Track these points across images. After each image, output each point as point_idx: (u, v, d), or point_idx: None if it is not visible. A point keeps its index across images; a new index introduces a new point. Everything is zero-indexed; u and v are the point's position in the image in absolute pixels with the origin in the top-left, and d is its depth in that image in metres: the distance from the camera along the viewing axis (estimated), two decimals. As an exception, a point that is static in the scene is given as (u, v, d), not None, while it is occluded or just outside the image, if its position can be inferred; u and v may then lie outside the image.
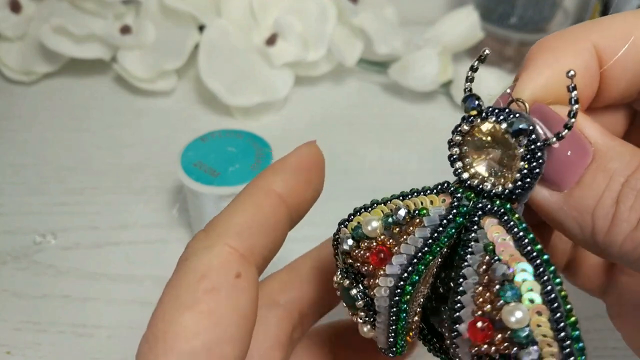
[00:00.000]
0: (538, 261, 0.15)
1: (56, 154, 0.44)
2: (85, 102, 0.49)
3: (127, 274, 0.35)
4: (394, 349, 0.18)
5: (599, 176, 0.16)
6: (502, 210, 0.17)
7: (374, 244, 0.17)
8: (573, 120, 0.16)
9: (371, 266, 0.17)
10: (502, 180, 0.17)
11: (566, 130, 0.16)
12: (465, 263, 0.16)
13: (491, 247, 0.16)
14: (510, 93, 0.17)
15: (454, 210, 0.17)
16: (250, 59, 0.47)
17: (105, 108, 0.48)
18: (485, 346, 0.15)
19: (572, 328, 0.15)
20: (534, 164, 0.16)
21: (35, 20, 0.49)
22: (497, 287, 0.15)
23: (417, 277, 0.17)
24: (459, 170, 0.17)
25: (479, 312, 0.16)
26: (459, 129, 0.17)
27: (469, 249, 0.16)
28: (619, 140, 0.16)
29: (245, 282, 0.16)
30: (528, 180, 0.16)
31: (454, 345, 0.16)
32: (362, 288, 0.18)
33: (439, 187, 0.18)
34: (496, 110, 0.16)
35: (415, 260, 0.17)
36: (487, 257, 0.16)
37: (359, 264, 0.18)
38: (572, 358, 0.15)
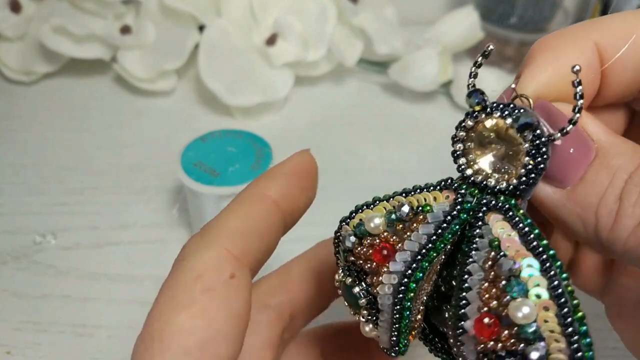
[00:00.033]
0: (544, 256, 0.15)
1: (56, 154, 0.44)
2: (85, 102, 0.49)
3: (127, 274, 0.35)
4: (397, 348, 0.18)
5: (602, 173, 0.16)
6: (507, 206, 0.16)
7: (377, 241, 0.17)
8: (578, 115, 0.16)
9: (374, 263, 0.17)
10: (506, 176, 0.17)
11: (571, 126, 0.16)
12: (470, 259, 0.16)
13: (496, 242, 0.16)
14: (514, 88, 0.17)
15: (458, 207, 0.17)
16: (250, 59, 0.47)
17: (105, 108, 0.48)
18: (492, 343, 0.15)
19: (580, 323, 0.15)
20: (539, 159, 0.16)
21: (35, 20, 0.49)
22: (504, 282, 0.15)
23: (421, 274, 0.17)
24: (463, 167, 0.17)
25: (485, 309, 0.15)
26: (463, 124, 0.17)
27: (474, 245, 0.16)
28: (620, 138, 0.16)
29: (239, 282, 0.17)
30: (533, 175, 0.16)
31: (458, 343, 0.16)
32: (364, 286, 0.18)
33: (442, 183, 0.18)
34: (501, 106, 0.16)
35: (419, 257, 0.17)
36: (493, 253, 0.16)
37: (361, 262, 0.18)
38: (579, 353, 0.14)
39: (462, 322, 0.16)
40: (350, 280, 0.18)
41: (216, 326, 0.16)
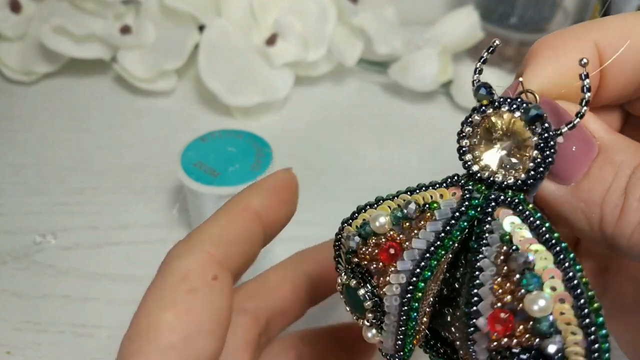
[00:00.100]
0: (558, 248, 0.15)
1: (56, 154, 0.44)
2: (85, 102, 0.49)
3: (127, 274, 0.35)
4: (401, 353, 0.17)
5: (606, 168, 0.16)
6: (517, 200, 0.16)
7: (383, 240, 0.17)
8: (585, 108, 0.15)
9: (380, 263, 0.17)
10: (513, 171, 0.16)
11: (578, 119, 0.16)
12: (481, 255, 0.16)
13: (508, 237, 0.16)
14: (521, 82, 0.17)
15: (466, 203, 0.17)
16: (250, 59, 0.47)
17: (105, 108, 0.48)
18: (506, 339, 0.15)
19: (596, 314, 0.14)
20: (547, 152, 0.16)
21: (35, 20, 0.49)
22: (518, 276, 0.15)
23: (429, 273, 0.16)
24: (469, 163, 0.17)
25: (499, 304, 0.15)
26: (470, 119, 0.17)
27: (484, 241, 0.16)
28: (621, 135, 0.17)
29: (221, 284, 0.18)
30: (541, 169, 0.16)
31: (469, 342, 0.16)
32: (370, 288, 0.17)
33: (448, 180, 0.18)
34: (509, 99, 0.16)
35: (427, 255, 0.16)
36: (505, 248, 0.16)
37: (366, 262, 0.17)
38: (596, 345, 0.14)
39: (474, 320, 0.15)
40: (354, 282, 0.18)
41: (199, 324, 0.17)
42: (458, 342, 0.18)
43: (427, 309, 0.18)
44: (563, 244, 0.15)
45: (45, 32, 0.46)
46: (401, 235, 0.17)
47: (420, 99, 0.50)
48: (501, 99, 0.16)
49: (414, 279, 0.16)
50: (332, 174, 0.43)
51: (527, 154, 0.16)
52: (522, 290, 0.15)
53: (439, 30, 0.50)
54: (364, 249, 0.17)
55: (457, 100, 0.49)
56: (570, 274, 0.15)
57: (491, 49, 0.17)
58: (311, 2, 0.48)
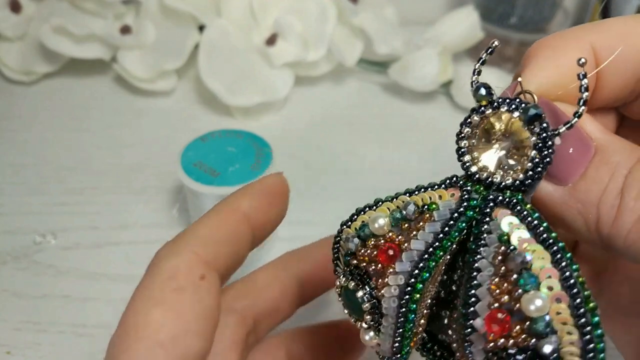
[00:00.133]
0: (555, 248, 0.15)
1: (56, 154, 0.44)
2: (85, 102, 0.49)
3: (127, 274, 0.35)
4: (399, 355, 0.17)
5: (602, 169, 0.16)
6: (515, 200, 0.16)
7: (382, 241, 0.17)
8: (583, 107, 0.16)
9: (380, 265, 0.17)
10: (511, 172, 0.17)
11: (576, 119, 0.16)
12: (479, 256, 0.16)
13: (506, 237, 0.16)
14: (519, 82, 0.17)
15: (465, 204, 0.17)
16: (250, 59, 0.47)
17: (105, 108, 0.48)
18: (502, 340, 0.15)
19: (592, 314, 0.14)
20: (545, 152, 0.16)
21: (35, 20, 0.49)
22: (515, 276, 0.15)
23: (427, 274, 0.16)
24: (468, 164, 0.17)
25: (496, 304, 0.15)
26: (469, 120, 0.17)
27: (482, 242, 0.16)
28: (616, 136, 0.17)
29: (209, 283, 0.18)
30: (539, 169, 0.16)
31: (466, 344, 0.16)
32: (368, 289, 0.17)
33: (447, 181, 0.18)
34: (508, 100, 0.16)
35: (426, 255, 0.16)
36: (503, 248, 0.16)
37: (365, 264, 0.17)
38: (591, 345, 0.14)
39: (472, 321, 0.16)
40: (353, 284, 0.18)
41: (187, 323, 0.17)
42: (455, 344, 0.18)
43: (425, 311, 0.18)
44: (560, 244, 0.15)
45: (45, 32, 0.46)
46: (400, 237, 0.17)
47: (420, 99, 0.50)
48: (500, 99, 0.17)
49: (412, 280, 0.16)
50: (332, 174, 0.43)
51: (526, 155, 0.16)
52: (520, 290, 0.15)
53: (439, 30, 0.50)
54: (362, 251, 0.17)
55: (457, 100, 0.49)
56: (567, 273, 0.15)
57: (490, 50, 0.17)
58: (311, 2, 0.48)
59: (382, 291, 0.17)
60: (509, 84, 0.18)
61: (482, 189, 0.17)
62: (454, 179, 0.18)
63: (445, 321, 0.18)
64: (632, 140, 0.17)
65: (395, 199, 0.18)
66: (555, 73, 0.17)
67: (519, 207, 0.16)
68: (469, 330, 0.16)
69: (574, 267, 0.15)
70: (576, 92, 0.16)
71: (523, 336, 0.15)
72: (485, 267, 0.16)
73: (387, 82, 0.51)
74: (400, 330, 0.17)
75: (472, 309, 0.16)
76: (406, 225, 0.17)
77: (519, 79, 0.17)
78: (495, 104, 0.17)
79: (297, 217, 0.38)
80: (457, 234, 0.17)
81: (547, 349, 0.14)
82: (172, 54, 0.47)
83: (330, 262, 0.20)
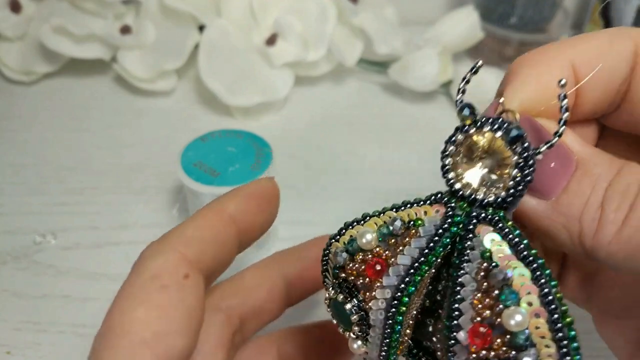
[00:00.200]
0: (535, 265, 0.16)
1: (56, 154, 0.44)
2: (85, 102, 0.49)
3: (127, 274, 0.35)
4: None
5: (584, 182, 0.17)
6: (497, 217, 0.17)
7: (369, 256, 0.18)
8: (563, 127, 0.16)
9: (367, 279, 0.18)
10: (494, 189, 0.17)
11: (556, 138, 0.16)
12: (462, 271, 0.17)
13: (488, 253, 0.16)
14: (500, 103, 0.18)
15: (449, 220, 0.17)
16: (250, 59, 0.47)
17: (105, 108, 0.49)
18: (484, 352, 0.16)
19: (569, 328, 0.15)
20: (527, 171, 0.16)
21: (35, 20, 0.49)
22: (497, 292, 0.16)
23: (413, 288, 0.17)
24: (452, 181, 0.18)
25: (478, 318, 0.16)
26: (454, 138, 0.18)
27: (465, 257, 0.17)
28: (596, 149, 0.17)
29: (193, 283, 0.18)
30: (521, 187, 0.17)
31: (449, 354, 0.17)
32: (356, 302, 0.18)
33: (432, 198, 0.18)
34: (490, 120, 0.17)
35: (412, 270, 0.17)
36: (485, 264, 0.16)
37: (353, 277, 0.18)
38: (568, 357, 0.15)
39: (455, 333, 0.16)
40: (342, 297, 0.18)
41: (170, 321, 0.17)
42: (439, 352, 0.18)
43: (411, 321, 0.18)
44: (540, 261, 0.16)
45: (45, 32, 0.46)
46: (387, 252, 0.18)
47: (420, 99, 0.50)
48: (483, 119, 0.17)
49: (399, 294, 0.17)
50: (332, 174, 0.43)
51: (507, 172, 0.17)
52: (501, 306, 0.15)
53: (439, 30, 0.50)
54: (351, 265, 0.18)
55: (457, 100, 0.49)
56: (546, 290, 0.15)
57: (474, 69, 0.18)
58: (311, 2, 0.48)
59: (370, 304, 0.18)
60: (491, 102, 0.18)
61: (465, 205, 0.18)
62: (439, 195, 0.18)
63: (430, 329, 0.19)
64: (613, 149, 0.18)
65: (382, 214, 0.18)
66: (536, 90, 0.18)
67: (500, 225, 0.17)
68: (453, 342, 0.16)
69: (553, 283, 0.16)
70: (557, 106, 0.16)
71: (504, 349, 0.15)
72: (469, 283, 0.16)
73: (387, 82, 0.51)
74: (387, 340, 0.17)
75: (455, 322, 0.16)
76: (393, 240, 0.18)
77: (501, 100, 0.18)
78: (479, 123, 0.17)
79: (297, 217, 0.38)
80: (441, 249, 0.17)
81: None
82: (172, 54, 0.47)
83: (319, 262, 0.20)
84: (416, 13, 0.58)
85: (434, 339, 0.19)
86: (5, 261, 0.36)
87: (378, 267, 0.17)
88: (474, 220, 0.17)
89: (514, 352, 0.15)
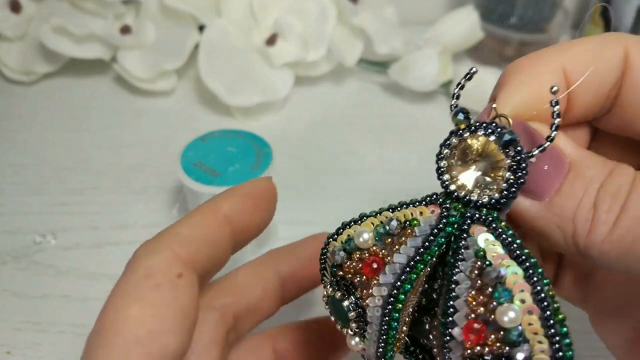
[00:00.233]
0: (527, 264, 0.16)
1: (56, 154, 0.44)
2: (85, 102, 0.49)
3: (127, 274, 0.35)
4: (383, 359, 0.18)
5: (576, 184, 0.17)
6: (490, 218, 0.17)
7: (366, 254, 0.18)
8: (555, 132, 0.17)
9: (364, 277, 0.18)
10: (488, 191, 0.18)
11: (548, 143, 0.17)
12: (457, 269, 0.17)
13: (482, 253, 0.17)
14: (494, 108, 0.18)
15: (444, 220, 0.18)
16: (250, 59, 0.47)
17: (105, 108, 0.49)
18: (479, 348, 0.16)
19: (561, 325, 0.15)
20: (519, 173, 0.17)
21: (35, 20, 0.49)
22: (490, 289, 0.16)
23: (409, 286, 0.17)
24: (447, 183, 0.18)
25: (473, 315, 0.16)
26: (448, 142, 0.18)
27: (460, 256, 0.17)
28: (588, 152, 0.18)
29: (186, 282, 0.18)
30: (513, 189, 0.17)
31: (445, 350, 0.17)
32: (354, 299, 0.19)
33: (428, 198, 0.19)
34: (484, 124, 0.18)
35: (407, 269, 0.17)
36: (479, 263, 0.17)
37: (351, 276, 0.18)
38: (560, 353, 0.15)
39: (450, 330, 0.17)
40: (339, 294, 0.19)
41: (164, 319, 0.17)
42: (435, 350, 0.19)
43: (407, 319, 0.19)
44: (532, 260, 0.16)
45: (45, 32, 0.46)
46: (383, 251, 0.18)
47: (420, 99, 0.50)
48: (477, 123, 0.18)
49: (395, 291, 0.17)
50: (332, 174, 0.43)
51: (501, 175, 0.17)
52: (494, 303, 0.16)
53: (439, 30, 0.50)
54: (348, 263, 0.19)
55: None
56: (538, 287, 0.16)
57: (469, 76, 0.19)
58: (311, 2, 0.48)
59: (367, 301, 0.18)
60: (485, 107, 0.19)
61: (460, 206, 0.18)
62: (434, 196, 0.19)
63: (427, 326, 0.19)
64: (605, 151, 0.19)
65: (379, 214, 0.19)
66: (528, 95, 0.18)
67: (494, 225, 0.17)
68: (448, 338, 0.17)
69: (545, 281, 0.16)
70: (550, 110, 0.17)
71: (498, 344, 0.16)
72: (463, 281, 0.17)
73: (387, 82, 0.51)
74: (384, 336, 0.18)
75: (450, 318, 0.17)
76: (389, 239, 0.18)
77: (494, 105, 0.18)
78: (473, 127, 0.18)
79: (297, 217, 0.38)
80: (436, 248, 0.18)
81: (520, 356, 0.15)
82: (172, 54, 0.47)
83: (314, 260, 0.20)
84: (416, 13, 0.58)
85: (431, 336, 0.19)
86: (5, 261, 0.36)
87: (375, 266, 0.18)
88: (469, 221, 0.18)
89: (507, 348, 0.16)
